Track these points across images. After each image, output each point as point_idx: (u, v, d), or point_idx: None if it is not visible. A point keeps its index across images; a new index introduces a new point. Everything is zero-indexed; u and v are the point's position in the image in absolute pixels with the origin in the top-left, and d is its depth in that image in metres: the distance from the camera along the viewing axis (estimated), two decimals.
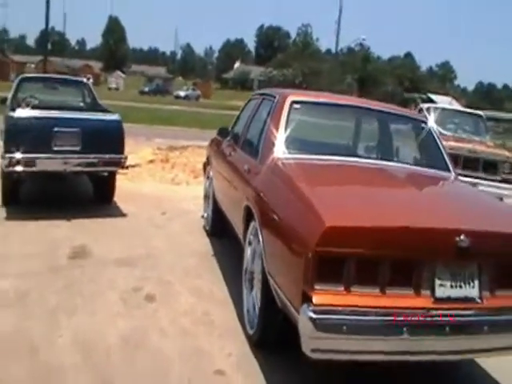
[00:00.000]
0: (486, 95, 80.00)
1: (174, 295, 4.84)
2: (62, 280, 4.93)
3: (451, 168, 4.67)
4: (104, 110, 8.61)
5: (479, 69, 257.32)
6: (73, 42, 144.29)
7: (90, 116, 7.73)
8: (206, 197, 7.02)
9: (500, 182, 10.39)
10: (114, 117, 7.65)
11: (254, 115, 5.24)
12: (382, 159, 4.56)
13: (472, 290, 3.09)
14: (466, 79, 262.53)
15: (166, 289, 4.96)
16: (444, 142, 10.52)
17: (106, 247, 5.98)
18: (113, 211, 7.64)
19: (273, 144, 4.23)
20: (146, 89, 67.26)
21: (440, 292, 3.03)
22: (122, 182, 9.76)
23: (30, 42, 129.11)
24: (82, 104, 9.75)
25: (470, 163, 10.39)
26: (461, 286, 3.07)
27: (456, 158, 10.42)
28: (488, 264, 3.14)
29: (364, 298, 2.84)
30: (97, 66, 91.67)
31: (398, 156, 4.80)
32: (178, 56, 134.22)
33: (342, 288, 2.83)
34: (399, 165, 4.48)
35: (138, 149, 13.21)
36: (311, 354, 2.82)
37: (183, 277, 5.28)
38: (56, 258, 5.50)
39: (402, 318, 2.84)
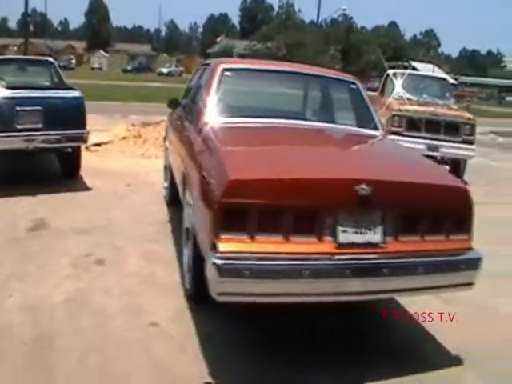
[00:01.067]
0: (470, 62, 79.95)
1: (124, 259, 5.10)
2: (18, 250, 5.17)
3: (379, 126, 4.89)
4: (68, 88, 8.75)
5: (463, 36, 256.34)
6: (55, 23, 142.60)
7: (51, 94, 7.89)
8: (165, 167, 7.25)
9: (461, 142, 10.66)
10: (76, 94, 7.85)
11: (196, 85, 5.47)
12: (309, 120, 4.80)
13: (375, 236, 3.34)
14: (451, 46, 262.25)
15: (118, 253, 5.22)
16: (408, 106, 10.85)
17: (66, 219, 6.20)
18: (78, 186, 7.85)
19: (204, 110, 4.47)
20: (129, 67, 66.95)
21: (343, 238, 3.27)
22: (92, 158, 9.97)
23: (13, 24, 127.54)
24: (48, 83, 9.87)
25: (432, 126, 10.66)
26: (364, 233, 3.31)
27: (419, 121, 10.71)
28: (391, 211, 3.38)
29: (268, 244, 3.09)
30: (80, 46, 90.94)
31: (326, 116, 5.04)
32: (163, 33, 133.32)
33: (247, 236, 3.07)
34: (326, 125, 4.72)
35: (112, 126, 13.32)
36: (218, 298, 3.08)
37: (137, 242, 5.52)
38: (16, 231, 5.73)
39: (303, 263, 3.10)
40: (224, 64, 4.85)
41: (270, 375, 3.33)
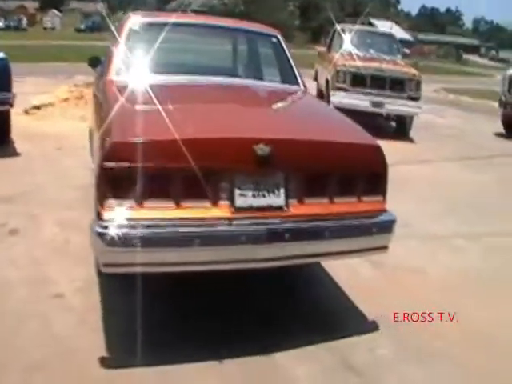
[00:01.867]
0: (429, 19, 79.67)
1: (39, 228, 4.86)
2: None
3: (300, 81, 4.67)
4: None
5: None
6: None
7: None
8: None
9: (406, 99, 10.56)
10: None
11: (113, 42, 5.15)
12: (224, 76, 4.53)
13: (277, 199, 3.13)
14: (410, 4, 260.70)
15: (34, 222, 4.97)
16: (353, 62, 10.67)
17: None
18: (6, 151, 7.48)
19: (109, 67, 4.20)
20: (82, 26, 64.94)
21: (240, 202, 3.05)
22: (30, 122, 9.60)
23: None
24: None
25: (377, 82, 10.53)
26: (265, 196, 3.12)
27: (364, 77, 10.56)
28: (295, 172, 3.17)
29: (157, 211, 2.87)
30: (33, 6, 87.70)
31: (243, 72, 4.79)
32: None
33: (134, 203, 2.84)
34: (241, 80, 4.47)
35: (56, 88, 12.83)
36: (104, 269, 2.89)
37: (56, 210, 5.27)
38: None
39: (195, 229, 2.90)
40: (134, 18, 4.55)
41: (173, 349, 3.17)
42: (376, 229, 3.34)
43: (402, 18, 61.72)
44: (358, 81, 10.53)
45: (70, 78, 16.17)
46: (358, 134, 3.61)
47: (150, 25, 4.62)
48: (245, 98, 4.17)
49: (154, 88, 3.72)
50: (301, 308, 3.85)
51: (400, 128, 11.28)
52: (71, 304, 3.63)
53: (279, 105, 4.22)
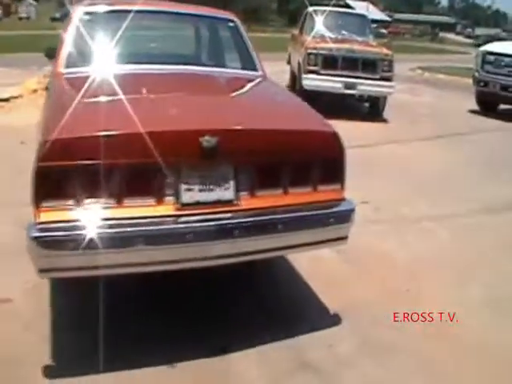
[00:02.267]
0: None
1: None
2: None
3: (259, 67, 4.49)
4: None
5: None
6: None
7: None
8: None
9: (378, 80, 10.44)
10: None
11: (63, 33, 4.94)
12: (178, 64, 4.33)
13: (226, 193, 2.99)
14: None
15: None
16: (323, 44, 10.50)
17: None
18: None
19: (57, 59, 4.01)
20: (58, 15, 63.74)
21: (187, 197, 2.91)
22: None
23: None
24: None
25: (349, 63, 10.38)
26: (213, 190, 2.97)
27: (335, 59, 10.41)
28: (245, 163, 3.02)
29: (97, 211, 2.73)
30: None
31: (198, 58, 4.59)
32: None
33: (72, 204, 2.68)
34: (195, 68, 4.27)
35: (27, 79, 12.58)
36: (40, 275, 2.74)
37: (10, 205, 5.10)
38: None
39: (139, 228, 2.75)
40: (82, 7, 4.35)
41: (123, 353, 3.02)
42: (333, 219, 3.20)
43: None
44: (330, 63, 10.37)
45: (40, 69, 15.83)
46: (313, 121, 3.46)
47: (99, 14, 4.40)
48: (197, 87, 3.97)
49: (100, 80, 3.55)
50: (261, 302, 3.72)
51: (373, 109, 11.17)
52: (19, 309, 3.46)
53: (233, 92, 4.01)
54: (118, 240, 2.72)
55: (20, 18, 65.50)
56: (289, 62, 14.13)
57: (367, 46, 10.93)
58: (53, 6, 72.99)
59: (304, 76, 10.45)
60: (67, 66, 3.94)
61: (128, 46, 4.68)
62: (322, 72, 10.36)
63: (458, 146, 8.85)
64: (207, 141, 2.85)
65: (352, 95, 10.69)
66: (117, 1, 4.65)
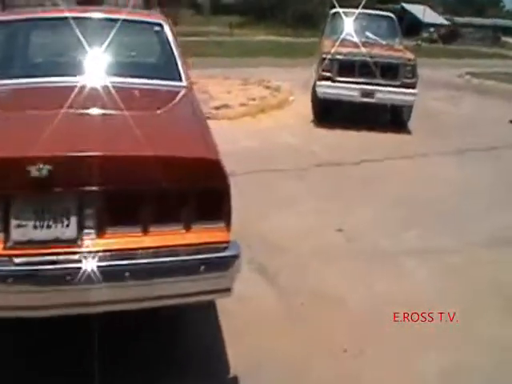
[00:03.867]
0: (468, 2, 75.99)
1: None
2: None
3: (183, 76, 3.81)
4: None
5: None
6: None
7: None
8: None
9: (399, 87, 9.55)
10: None
11: None
12: (84, 75, 3.64)
13: (67, 230, 2.39)
14: None
15: None
16: (340, 48, 9.67)
17: None
18: None
19: None
20: None
21: (18, 235, 2.37)
22: None
23: None
24: None
25: (367, 69, 9.53)
26: (49, 226, 2.38)
27: (352, 64, 9.60)
28: (91, 197, 2.43)
29: None
30: None
31: (111, 68, 3.87)
32: None
33: None
34: (103, 79, 3.57)
35: None
36: None
37: None
38: None
39: None
40: None
41: None
42: (205, 267, 2.51)
43: (436, 2, 58.88)
44: (346, 69, 9.53)
45: None
46: (193, 146, 2.74)
47: (12, 23, 3.99)
48: (79, 103, 3.17)
49: None
50: (174, 352, 3.13)
51: (395, 118, 10.27)
52: None
53: (118, 110, 3.18)
54: None
55: None
56: None
57: (388, 50, 10.04)
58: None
59: (318, 83, 9.63)
60: None
61: (34, 56, 4.22)
62: (338, 79, 9.54)
63: (481, 164, 7.72)
64: (38, 169, 2.27)
65: (370, 104, 9.84)
66: (31, 10, 4.18)
